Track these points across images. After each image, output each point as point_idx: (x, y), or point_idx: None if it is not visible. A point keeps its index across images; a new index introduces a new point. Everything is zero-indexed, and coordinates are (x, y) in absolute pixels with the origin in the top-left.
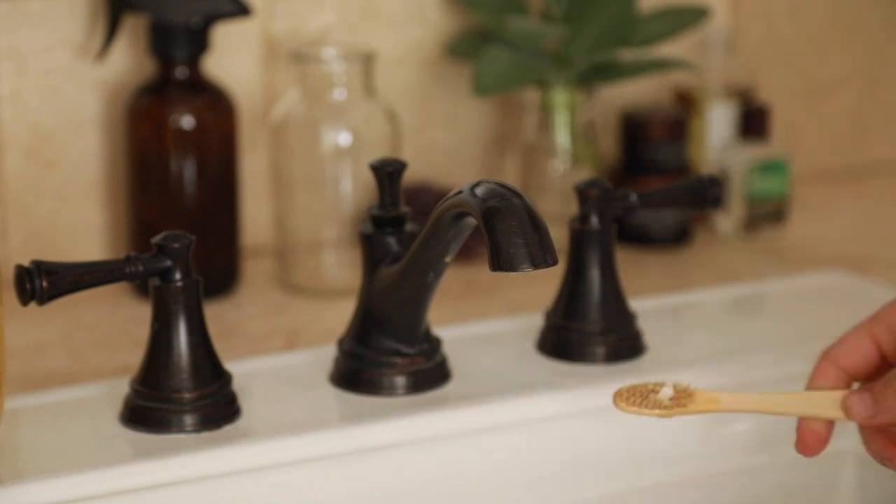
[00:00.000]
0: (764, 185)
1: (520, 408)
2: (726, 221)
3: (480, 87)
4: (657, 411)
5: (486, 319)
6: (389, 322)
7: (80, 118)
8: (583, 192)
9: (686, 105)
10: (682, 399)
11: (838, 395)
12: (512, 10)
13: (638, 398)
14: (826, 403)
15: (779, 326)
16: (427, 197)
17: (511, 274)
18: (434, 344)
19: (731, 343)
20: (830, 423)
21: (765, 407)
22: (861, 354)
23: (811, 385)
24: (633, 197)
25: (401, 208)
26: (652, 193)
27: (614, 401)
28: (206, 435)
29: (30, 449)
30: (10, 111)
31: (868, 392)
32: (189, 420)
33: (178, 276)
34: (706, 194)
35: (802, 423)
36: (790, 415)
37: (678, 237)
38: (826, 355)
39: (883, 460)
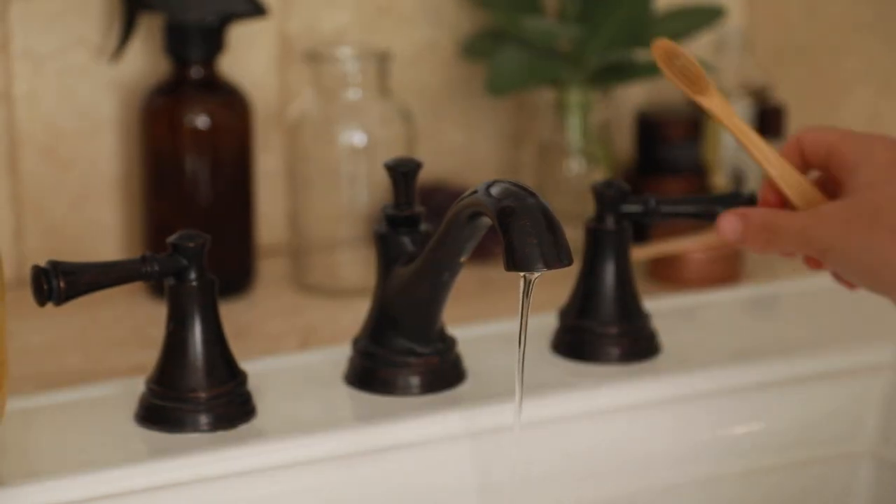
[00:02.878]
0: None
1: (534, 408)
2: None
3: (495, 87)
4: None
5: (500, 319)
6: (404, 321)
7: (95, 118)
8: (599, 193)
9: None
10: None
11: (801, 180)
12: (526, 10)
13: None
14: (789, 177)
15: (794, 327)
16: (442, 197)
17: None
18: (449, 343)
19: (747, 343)
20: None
21: (744, 138)
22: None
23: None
24: (651, 198)
25: (415, 208)
26: (679, 201)
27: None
28: (220, 434)
29: (45, 448)
30: (26, 111)
31: (741, 222)
32: (204, 419)
33: (193, 275)
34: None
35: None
36: (757, 161)
37: None
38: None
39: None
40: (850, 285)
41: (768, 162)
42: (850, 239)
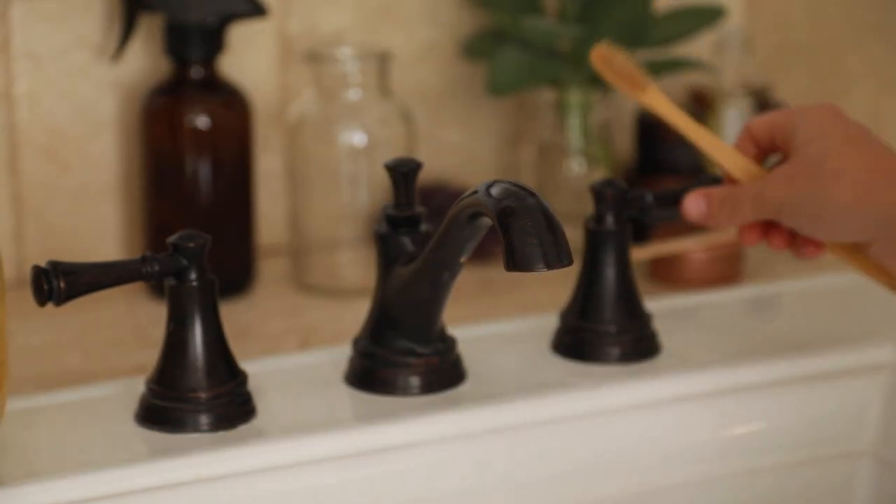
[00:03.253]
0: None
1: (534, 408)
2: None
3: (495, 87)
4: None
5: (501, 319)
6: (404, 322)
7: (95, 118)
8: (598, 192)
9: (701, 105)
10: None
11: (747, 161)
12: (527, 10)
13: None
14: (735, 160)
15: (794, 327)
16: (442, 197)
17: (526, 274)
18: (449, 344)
19: (747, 344)
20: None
21: (686, 128)
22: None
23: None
24: (649, 197)
25: (416, 208)
26: (666, 194)
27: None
28: (221, 434)
29: (45, 448)
30: (26, 112)
31: (704, 200)
32: (204, 419)
33: (193, 275)
34: None
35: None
36: (702, 149)
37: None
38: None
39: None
40: (810, 253)
41: (713, 148)
42: (796, 191)
